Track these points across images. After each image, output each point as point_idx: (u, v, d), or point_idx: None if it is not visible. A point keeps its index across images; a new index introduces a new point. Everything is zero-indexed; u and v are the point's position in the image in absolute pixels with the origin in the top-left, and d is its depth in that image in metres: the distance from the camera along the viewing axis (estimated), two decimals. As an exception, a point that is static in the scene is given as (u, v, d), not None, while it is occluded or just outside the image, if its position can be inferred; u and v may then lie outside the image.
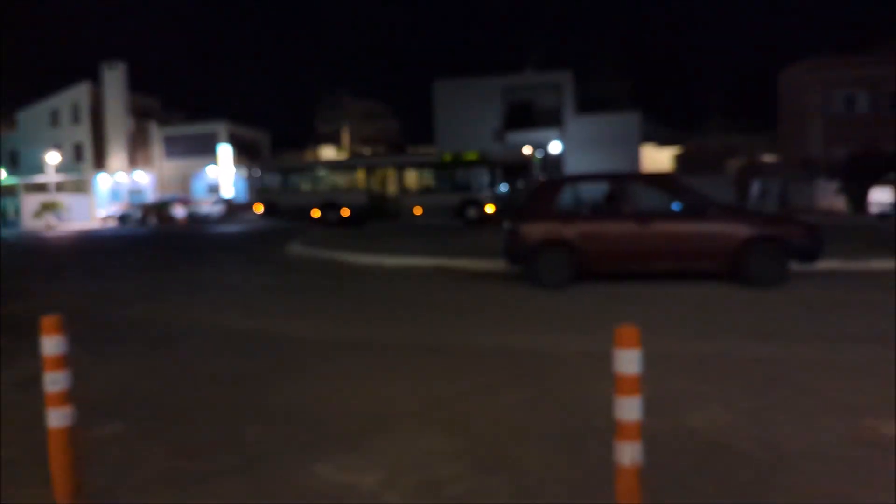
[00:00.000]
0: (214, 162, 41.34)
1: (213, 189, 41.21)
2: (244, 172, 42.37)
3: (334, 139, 53.03)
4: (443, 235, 16.02)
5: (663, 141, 48.42)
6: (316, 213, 23.68)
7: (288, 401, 4.10)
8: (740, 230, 7.75)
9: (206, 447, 3.40)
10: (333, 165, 25.59)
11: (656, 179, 8.78)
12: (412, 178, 23.55)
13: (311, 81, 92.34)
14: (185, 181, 42.65)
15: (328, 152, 52.58)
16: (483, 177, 22.08)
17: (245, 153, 43.69)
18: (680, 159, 40.48)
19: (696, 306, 6.91)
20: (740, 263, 7.75)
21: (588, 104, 35.31)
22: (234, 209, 36.59)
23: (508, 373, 4.57)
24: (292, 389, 4.34)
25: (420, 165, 23.63)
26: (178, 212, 33.35)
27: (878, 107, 33.07)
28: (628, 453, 2.15)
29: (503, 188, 21.58)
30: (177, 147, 43.00)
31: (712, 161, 38.11)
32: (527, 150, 22.44)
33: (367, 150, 55.44)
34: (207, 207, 35.62)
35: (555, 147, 28.90)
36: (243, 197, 42.07)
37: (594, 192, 9.29)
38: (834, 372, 4.34)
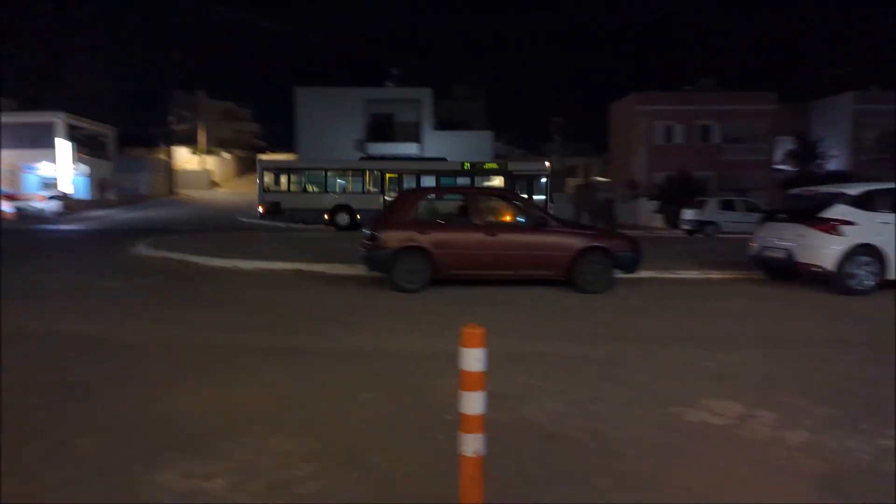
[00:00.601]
0: (50, 156, 36.96)
1: (49, 184, 36.81)
2: (84, 168, 38.27)
3: (189, 139, 49.68)
4: (326, 242, 15.60)
5: (512, 159, 51.11)
6: (326, 217, 22.14)
7: (127, 410, 3.76)
8: (575, 242, 8.39)
9: (33, 462, 3.02)
10: (345, 167, 23.89)
11: (504, 195, 9.26)
12: (429, 184, 22.41)
13: (165, 77, 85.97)
14: (14, 174, 37.65)
15: (182, 153, 49.12)
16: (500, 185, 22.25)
17: (87, 148, 39.56)
18: (527, 176, 42.75)
19: (536, 309, 7.36)
20: (575, 272, 8.38)
21: (446, 121, 36.36)
22: (72, 206, 32.93)
23: (364, 373, 4.56)
24: (131, 397, 3.98)
25: (437, 172, 22.74)
26: (4, 207, 29.35)
27: (691, 138, 37.35)
28: (471, 444, 2.24)
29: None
30: (5, 137, 37.89)
31: (555, 180, 40.75)
32: (545, 161, 22.75)
33: (223, 153, 52.52)
34: (41, 204, 31.72)
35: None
36: (84, 193, 37.99)
37: (450, 203, 9.58)
38: (649, 367, 4.82)
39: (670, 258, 12.99)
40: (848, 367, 4.89)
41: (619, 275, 8.88)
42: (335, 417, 3.67)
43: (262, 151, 50.05)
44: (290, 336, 5.84)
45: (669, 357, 5.15)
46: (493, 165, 24.00)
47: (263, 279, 9.60)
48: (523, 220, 8.78)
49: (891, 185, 9.42)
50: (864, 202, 8.64)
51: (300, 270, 10.32)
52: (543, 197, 22.46)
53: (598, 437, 3.40)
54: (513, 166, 23.75)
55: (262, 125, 63.37)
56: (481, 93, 40.85)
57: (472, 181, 22.86)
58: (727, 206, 24.18)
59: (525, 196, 17.52)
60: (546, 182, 23.01)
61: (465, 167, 23.14)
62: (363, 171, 23.17)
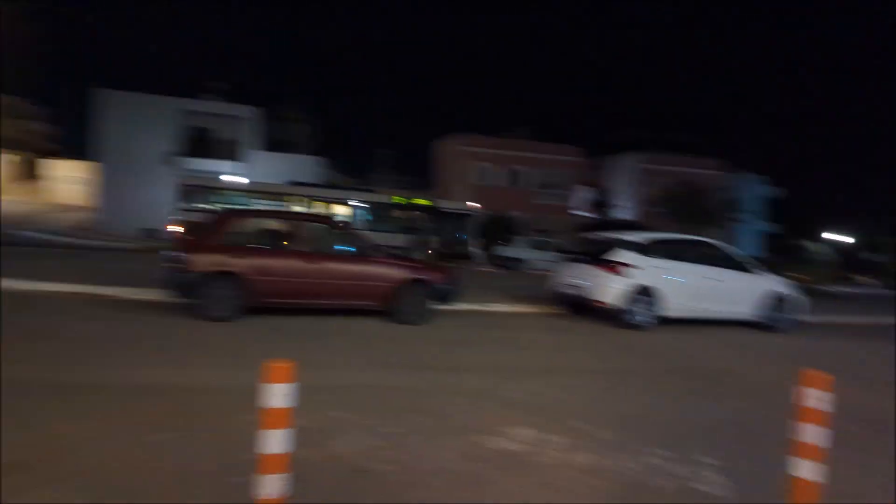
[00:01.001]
0: None
1: None
2: None
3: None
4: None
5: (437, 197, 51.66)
6: None
7: None
8: (396, 273, 8.53)
9: None
10: (265, 190, 22.88)
11: (328, 221, 9.15)
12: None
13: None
14: None
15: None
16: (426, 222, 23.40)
17: None
18: (354, 207, 42.76)
19: (353, 341, 7.31)
20: (394, 303, 8.49)
21: (274, 143, 35.25)
22: None
23: (157, 412, 4.13)
24: None
25: (367, 203, 23.68)
26: None
27: (507, 180, 40.31)
28: (272, 485, 2.12)
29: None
30: None
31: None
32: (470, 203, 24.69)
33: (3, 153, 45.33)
34: None
35: (241, 181, 27.88)
36: None
37: (268, 227, 9.19)
38: (459, 398, 5.01)
39: (486, 292, 13.76)
40: (627, 395, 5.52)
41: (438, 306, 9.19)
42: (117, 463, 3.27)
43: (56, 156, 44.05)
44: (69, 370, 5.12)
45: (478, 387, 5.40)
46: (424, 202, 24.96)
47: (39, 304, 8.34)
48: (347, 248, 8.72)
49: (664, 235, 10.99)
50: (644, 249, 9.95)
51: (86, 294, 9.16)
52: (465, 236, 24.51)
53: (407, 469, 3.43)
54: (441, 204, 25.19)
55: (60, 126, 55.93)
56: (313, 117, 40.36)
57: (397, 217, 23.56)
58: (536, 245, 26.37)
59: (348, 228, 16.58)
60: (470, 221, 25.08)
61: (394, 200, 24.05)
62: (284, 197, 22.67)
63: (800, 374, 2.51)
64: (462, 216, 25.32)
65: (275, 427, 2.15)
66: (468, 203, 26.66)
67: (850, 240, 54.07)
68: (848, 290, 33.41)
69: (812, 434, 2.44)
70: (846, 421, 4.95)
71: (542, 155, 40.58)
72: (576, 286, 10.26)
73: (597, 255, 10.23)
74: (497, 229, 32.38)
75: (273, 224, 9.03)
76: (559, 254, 12.64)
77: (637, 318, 9.57)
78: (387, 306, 8.54)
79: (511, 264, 25.73)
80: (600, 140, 45.73)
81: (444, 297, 8.95)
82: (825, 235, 54.54)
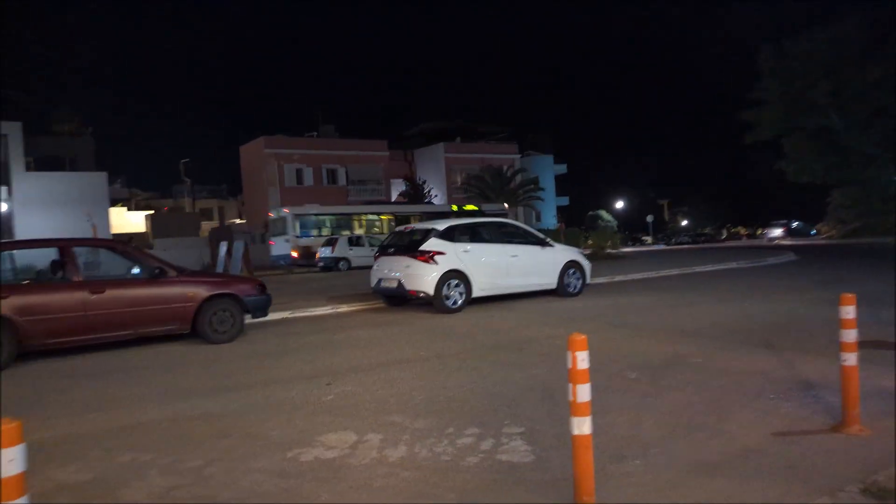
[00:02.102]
0: None
1: None
2: None
3: None
4: None
5: (137, 204, 46.21)
6: None
7: None
8: (199, 291, 7.90)
9: None
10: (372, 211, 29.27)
11: (112, 245, 8.18)
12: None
13: None
14: None
15: None
16: None
17: None
18: (154, 222, 39.17)
19: (156, 370, 6.63)
20: (200, 322, 7.87)
21: (45, 161, 30.73)
22: None
23: None
24: None
25: (428, 215, 27.26)
26: None
27: (320, 180, 39.50)
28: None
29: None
30: None
31: (188, 224, 38.28)
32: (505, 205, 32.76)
33: None
34: None
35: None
36: None
37: (40, 258, 7.99)
38: (271, 413, 4.76)
39: (304, 296, 13.37)
40: (443, 379, 5.68)
41: (251, 320, 8.71)
42: None
43: None
44: None
45: (292, 398, 5.18)
46: (472, 207, 31.27)
47: None
48: (138, 271, 7.87)
49: (467, 221, 11.54)
50: (450, 235, 10.36)
51: None
52: None
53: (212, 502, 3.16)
54: (484, 208, 31.46)
55: None
56: (90, 129, 35.85)
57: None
58: (355, 242, 26.25)
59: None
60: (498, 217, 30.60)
61: (454, 209, 29.88)
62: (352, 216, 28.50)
63: (568, 339, 2.72)
64: (501, 215, 28.47)
65: (8, 499, 1.81)
66: (505, 204, 33.62)
67: (630, 206, 61.76)
68: (633, 249, 38.14)
69: (580, 392, 2.67)
70: (623, 368, 5.62)
71: (351, 151, 40.48)
72: (392, 279, 10.37)
73: (409, 246, 10.43)
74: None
75: (43, 254, 7.85)
76: (379, 248, 12.71)
77: (451, 302, 9.94)
78: (193, 327, 7.89)
79: (335, 264, 25.35)
80: (407, 133, 46.81)
81: (256, 310, 8.50)
82: (615, 205, 61.73)
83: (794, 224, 48.14)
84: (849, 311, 3.78)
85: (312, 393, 5.30)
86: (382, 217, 28.73)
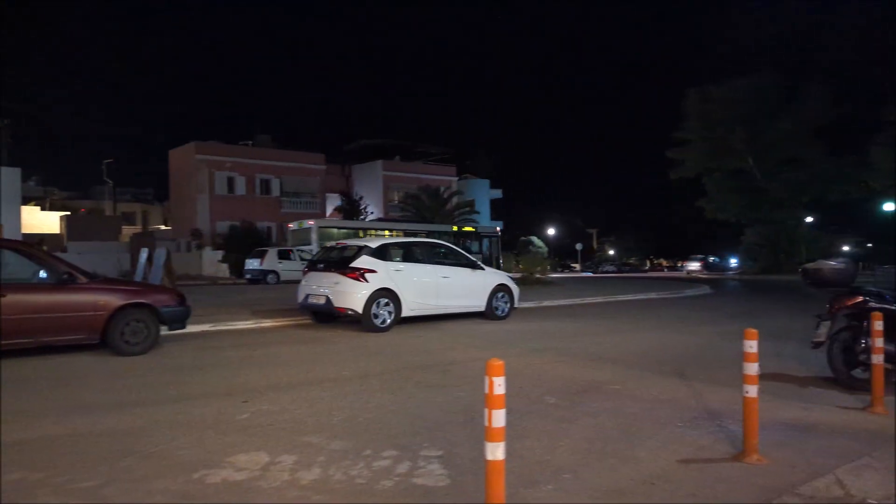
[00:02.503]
0: None
1: None
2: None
3: None
4: None
5: (53, 204, 43.57)
6: None
7: None
8: (111, 299, 7.47)
9: None
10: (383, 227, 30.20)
11: (16, 246, 7.62)
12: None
13: None
14: None
15: None
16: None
17: None
18: (70, 224, 36.97)
19: (58, 382, 6.20)
20: (113, 332, 7.44)
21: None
22: None
23: None
24: None
25: (431, 233, 28.13)
26: None
27: (253, 190, 38.49)
28: None
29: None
30: None
31: (107, 228, 36.37)
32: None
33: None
34: None
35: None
36: None
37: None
38: (180, 430, 4.52)
39: (228, 309, 12.92)
40: (365, 400, 5.59)
41: (168, 332, 8.31)
42: None
43: None
44: None
45: (203, 415, 4.96)
46: (469, 228, 33.25)
47: None
48: (45, 275, 7.36)
49: (401, 240, 11.53)
50: (382, 253, 10.29)
51: None
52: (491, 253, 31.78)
53: (102, 529, 2.95)
54: (479, 229, 33.82)
55: None
56: (5, 121, 33.55)
57: (455, 240, 27.00)
58: (285, 255, 25.67)
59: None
60: (496, 241, 33.01)
61: (455, 229, 31.95)
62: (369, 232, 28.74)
63: (486, 364, 2.74)
64: (491, 236, 32.99)
65: None
66: (497, 228, 36.02)
67: (561, 233, 63.45)
68: (561, 276, 39.11)
69: (495, 417, 2.68)
70: (543, 393, 5.71)
71: (287, 163, 39.76)
72: (320, 295, 10.18)
73: (339, 263, 10.29)
74: (246, 241, 30.76)
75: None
76: (308, 263, 12.45)
77: (379, 321, 9.84)
78: (103, 337, 7.44)
79: (263, 277, 24.68)
80: (345, 148, 46.48)
81: (173, 321, 8.12)
82: (546, 231, 63.20)
83: (711, 259, 50.79)
84: (752, 346, 4.00)
85: (226, 411, 5.09)
86: (394, 233, 28.02)
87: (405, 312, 10.24)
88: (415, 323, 10.75)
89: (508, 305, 11.88)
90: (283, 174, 39.12)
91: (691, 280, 30.88)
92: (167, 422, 4.76)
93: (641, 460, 3.92)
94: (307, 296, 10.49)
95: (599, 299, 17.23)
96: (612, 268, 56.25)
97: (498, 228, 36.11)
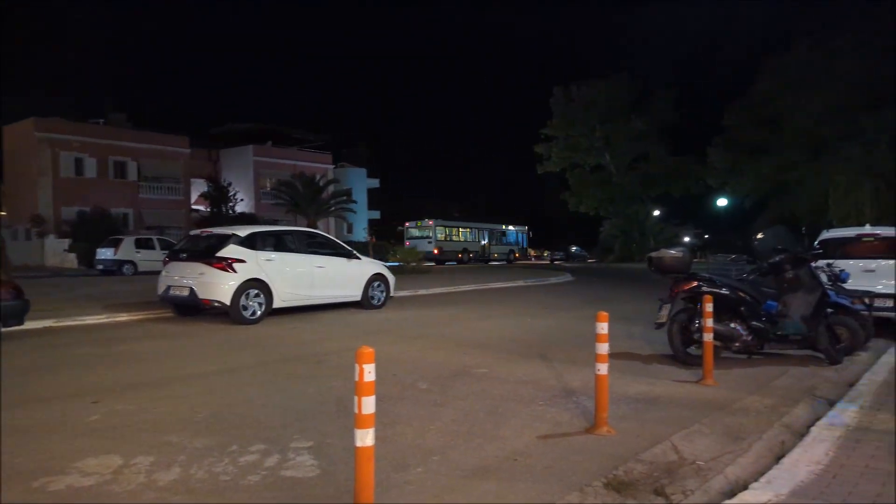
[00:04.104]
0: None
1: None
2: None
3: None
4: None
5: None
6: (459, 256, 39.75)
7: None
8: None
9: None
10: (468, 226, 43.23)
11: None
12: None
13: None
14: None
15: None
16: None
17: None
18: None
19: None
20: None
21: None
22: None
23: None
24: None
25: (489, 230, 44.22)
26: None
27: (106, 173, 35.09)
28: None
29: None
30: None
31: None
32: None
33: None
34: None
35: None
36: None
37: None
38: (22, 437, 4.05)
39: (76, 302, 11.77)
40: (232, 395, 5.35)
41: (4, 328, 7.39)
42: None
43: None
44: None
45: (46, 419, 4.49)
46: (503, 226, 45.69)
47: None
48: None
49: (272, 228, 11.12)
50: (252, 242, 9.86)
51: None
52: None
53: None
54: (509, 226, 46.29)
55: None
56: None
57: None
58: (144, 244, 23.78)
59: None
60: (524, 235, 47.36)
61: (506, 228, 45.65)
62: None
63: (356, 352, 2.73)
64: (518, 232, 46.90)
65: None
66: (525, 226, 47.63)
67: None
68: (434, 265, 39.70)
69: (365, 404, 2.69)
70: (416, 379, 5.81)
71: (146, 144, 36.68)
72: (183, 286, 9.56)
73: (204, 252, 9.72)
74: (98, 228, 28.08)
75: None
76: (168, 253, 11.59)
77: (249, 313, 9.44)
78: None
79: (118, 268, 22.67)
80: (213, 131, 43.80)
81: (9, 317, 7.25)
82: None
83: (574, 249, 54.19)
84: (603, 327, 4.35)
85: (74, 413, 4.64)
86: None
87: (277, 304, 9.91)
88: (288, 314, 10.44)
89: (384, 295, 11.90)
90: (142, 157, 36.04)
91: (555, 268, 32.77)
92: (2, 428, 4.25)
93: (505, 438, 4.13)
94: (168, 287, 9.80)
95: (473, 287, 17.77)
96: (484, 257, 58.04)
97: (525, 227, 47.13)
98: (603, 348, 4.31)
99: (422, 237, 39.73)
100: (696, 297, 6.55)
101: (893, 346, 7.50)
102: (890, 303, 8.43)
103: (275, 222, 30.87)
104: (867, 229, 9.87)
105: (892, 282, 8.61)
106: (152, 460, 3.64)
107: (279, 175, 40.18)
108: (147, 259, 22.47)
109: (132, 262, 22.77)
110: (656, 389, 5.58)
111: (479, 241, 43.32)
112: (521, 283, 20.08)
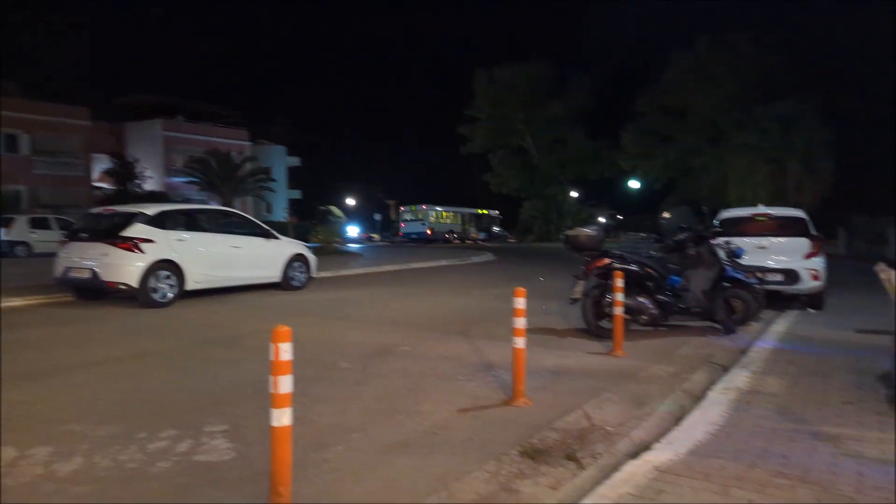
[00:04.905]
0: None
1: None
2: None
3: None
4: None
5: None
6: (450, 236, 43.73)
7: None
8: None
9: None
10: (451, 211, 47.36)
11: None
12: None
13: None
14: None
15: None
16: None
17: None
18: None
19: None
20: None
21: None
22: None
23: None
24: None
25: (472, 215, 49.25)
26: None
27: (-7, 148, 32.13)
28: None
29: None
30: None
31: None
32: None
33: None
34: None
35: None
36: None
37: None
38: None
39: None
40: (140, 381, 5.09)
41: None
42: None
43: None
44: None
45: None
46: (483, 211, 50.62)
47: None
48: None
49: (184, 206, 10.59)
50: (161, 221, 9.36)
51: None
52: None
53: None
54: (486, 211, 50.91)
55: None
56: None
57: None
58: (39, 224, 22.05)
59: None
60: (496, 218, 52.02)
61: (480, 212, 50.31)
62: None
63: (272, 331, 2.67)
64: (492, 217, 51.55)
65: None
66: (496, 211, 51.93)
67: (361, 203, 63.60)
68: (361, 245, 39.40)
69: (281, 383, 2.64)
70: (337, 359, 5.76)
71: (40, 116, 33.76)
72: (84, 268, 8.96)
73: (108, 232, 9.13)
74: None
75: None
76: (67, 233, 10.79)
77: (159, 295, 8.99)
78: None
79: (10, 250, 20.91)
80: (117, 102, 40.98)
81: None
82: (346, 201, 62.79)
83: (496, 229, 55.15)
84: (520, 303, 4.46)
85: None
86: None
87: (190, 286, 9.48)
88: (203, 297, 10.02)
89: (305, 275, 11.66)
90: (35, 130, 33.17)
91: (478, 248, 33.25)
92: None
93: (426, 413, 4.17)
94: (67, 269, 9.15)
95: (396, 267, 17.73)
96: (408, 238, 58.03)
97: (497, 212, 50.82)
98: (520, 322, 4.42)
99: (416, 220, 45.14)
100: (607, 274, 6.84)
101: (781, 317, 8.18)
102: (779, 277, 9.16)
103: (187, 201, 29.40)
104: (760, 209, 10.64)
105: (782, 257, 9.36)
106: (51, 451, 3.41)
107: (192, 151, 38.22)
108: (43, 240, 20.81)
109: (26, 244, 21.06)
110: (570, 361, 5.81)
111: (461, 224, 47.82)
112: (443, 262, 20.24)
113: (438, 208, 46.78)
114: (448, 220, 46.79)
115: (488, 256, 24.23)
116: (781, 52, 33.81)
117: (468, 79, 47.73)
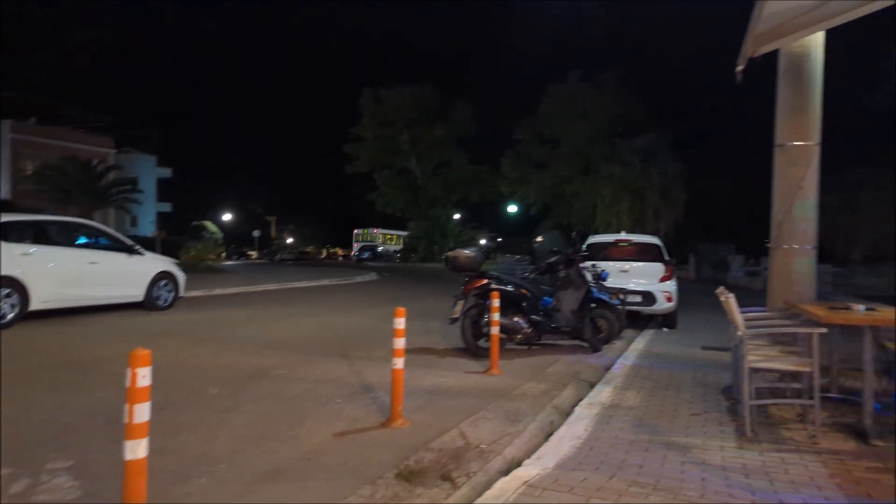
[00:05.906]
0: None
1: None
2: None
3: None
4: None
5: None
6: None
7: None
8: None
9: None
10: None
11: None
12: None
13: None
14: None
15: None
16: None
17: None
18: None
19: None
20: None
21: None
22: None
23: None
24: None
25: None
26: None
27: None
28: None
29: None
30: None
31: None
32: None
33: None
34: None
35: None
36: None
37: None
38: None
39: None
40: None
41: None
42: None
43: None
44: None
45: None
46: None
47: None
48: None
49: (32, 217, 9.55)
50: (4, 232, 8.35)
51: None
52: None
53: None
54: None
55: None
56: None
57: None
58: None
59: None
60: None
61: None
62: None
63: (129, 355, 2.45)
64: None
65: None
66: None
67: (238, 219, 60.86)
68: (237, 263, 37.58)
69: (137, 412, 2.43)
70: (206, 384, 5.42)
71: None
72: None
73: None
74: None
75: None
76: None
77: (-2, 316, 7.98)
78: None
79: None
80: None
81: None
82: (222, 217, 59.63)
83: (380, 248, 55.06)
84: (400, 322, 4.47)
85: None
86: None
87: (36, 305, 8.51)
88: (52, 317, 9.02)
89: (172, 294, 10.89)
90: None
91: (361, 268, 32.93)
92: None
93: (301, 438, 4.03)
94: None
95: (274, 286, 17.08)
96: (288, 256, 56.22)
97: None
98: (400, 343, 4.42)
99: (369, 242, 54.33)
100: (485, 294, 7.05)
101: (640, 335, 8.86)
102: (638, 298, 9.94)
103: (38, 212, 26.47)
104: (622, 235, 11.52)
105: (641, 280, 10.17)
106: None
107: (46, 157, 34.60)
108: None
109: None
110: (448, 381, 5.89)
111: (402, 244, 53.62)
112: (325, 282, 19.80)
113: (386, 231, 57.04)
114: (395, 243, 55.54)
115: (372, 276, 24.07)
116: (639, 91, 37.20)
117: (356, 97, 47.66)
